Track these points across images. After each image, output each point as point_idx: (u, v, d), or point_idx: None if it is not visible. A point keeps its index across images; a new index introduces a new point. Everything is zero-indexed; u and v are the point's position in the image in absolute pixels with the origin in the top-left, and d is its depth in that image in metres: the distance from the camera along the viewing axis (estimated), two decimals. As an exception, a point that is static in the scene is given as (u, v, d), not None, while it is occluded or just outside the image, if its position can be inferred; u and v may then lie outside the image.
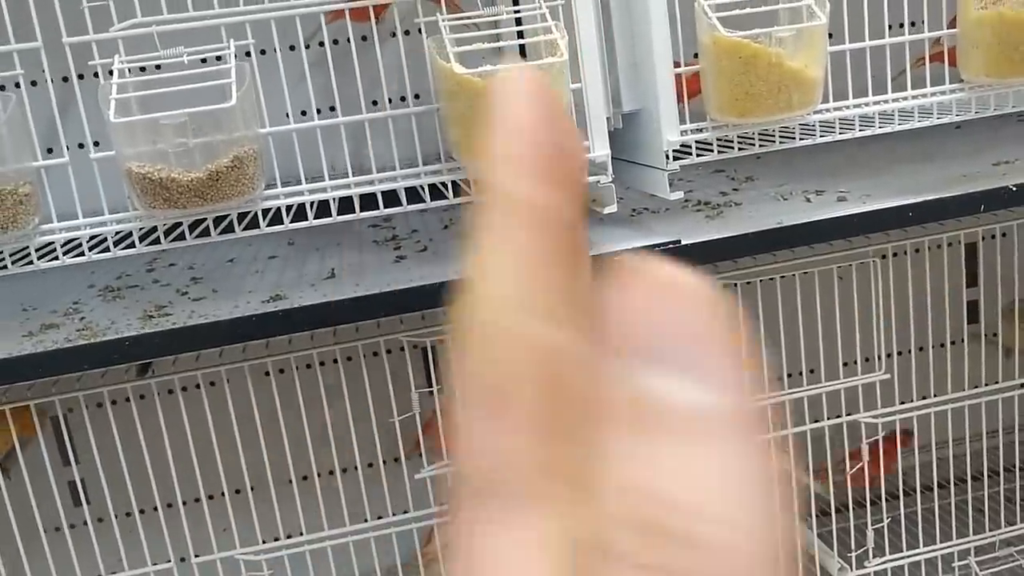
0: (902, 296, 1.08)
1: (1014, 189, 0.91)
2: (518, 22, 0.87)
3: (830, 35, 0.95)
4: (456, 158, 0.83)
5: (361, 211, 0.88)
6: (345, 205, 0.88)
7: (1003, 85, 0.93)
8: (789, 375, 1.08)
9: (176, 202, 0.75)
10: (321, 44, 1.21)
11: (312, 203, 0.87)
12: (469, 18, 0.81)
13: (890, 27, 0.96)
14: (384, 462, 1.09)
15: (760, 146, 0.91)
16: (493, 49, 0.80)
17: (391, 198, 0.89)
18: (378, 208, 0.90)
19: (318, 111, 1.12)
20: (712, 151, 0.90)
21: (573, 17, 0.84)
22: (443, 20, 0.81)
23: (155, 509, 1.03)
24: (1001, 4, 0.87)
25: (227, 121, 0.76)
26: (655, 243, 0.85)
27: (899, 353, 1.27)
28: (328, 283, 0.91)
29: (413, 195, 0.90)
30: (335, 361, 1.15)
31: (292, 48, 1.02)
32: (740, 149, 0.90)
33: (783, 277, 0.97)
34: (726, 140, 0.91)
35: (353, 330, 1.05)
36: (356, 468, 1.07)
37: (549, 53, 0.80)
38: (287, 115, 0.94)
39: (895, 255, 1.05)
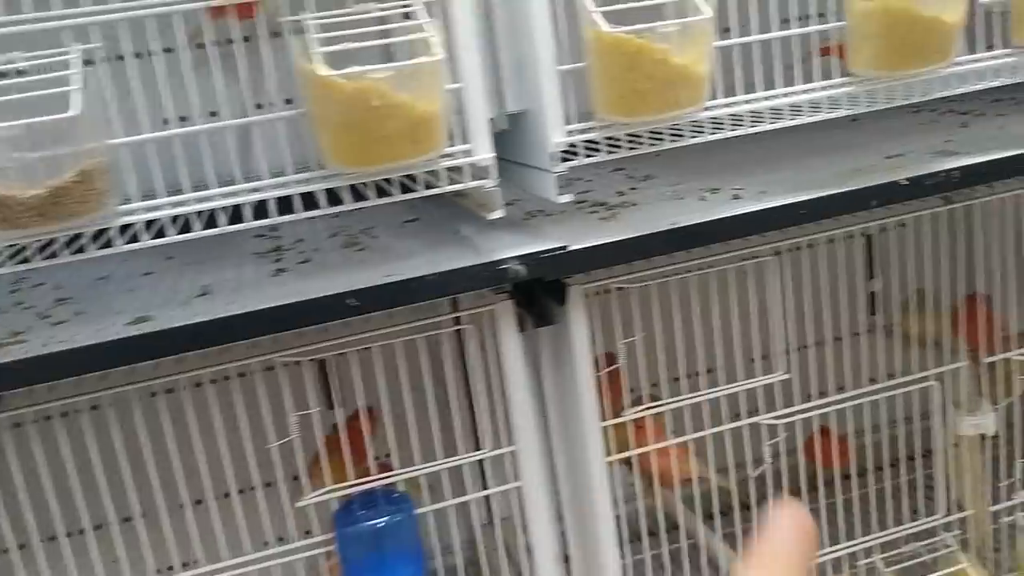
0: (804, 291, 1.07)
1: (905, 183, 0.90)
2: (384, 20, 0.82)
3: (725, 30, 0.93)
4: (325, 166, 0.78)
5: (251, 220, 0.81)
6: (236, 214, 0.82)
7: (892, 78, 0.91)
8: (688, 376, 1.05)
9: (14, 221, 0.68)
10: (200, 46, 1.15)
11: (181, 216, 0.81)
12: (337, 16, 0.76)
13: (786, 21, 0.94)
14: (290, 479, 1.02)
15: (650, 145, 0.88)
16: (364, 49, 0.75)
17: (285, 206, 0.83)
18: (267, 216, 0.84)
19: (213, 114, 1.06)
20: (600, 151, 0.87)
21: (449, 14, 0.80)
22: (309, 18, 0.76)
23: (33, 544, 0.96)
24: (886, -4, 0.86)
25: (71, 133, 0.69)
26: (541, 250, 0.81)
27: (800, 348, 1.27)
28: (200, 301, 0.85)
29: (309, 201, 0.84)
30: (227, 379, 1.08)
31: (169, 51, 0.95)
32: (630, 148, 0.87)
33: (680, 278, 0.94)
34: (615, 140, 0.87)
35: (249, 346, 0.99)
36: (253, 489, 1.00)
37: (421, 53, 0.75)
38: (165, 121, 0.87)
39: (797, 249, 1.03)
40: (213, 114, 1.05)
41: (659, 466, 1.05)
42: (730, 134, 0.90)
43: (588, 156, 0.86)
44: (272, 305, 0.78)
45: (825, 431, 1.15)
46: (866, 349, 1.18)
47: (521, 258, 0.80)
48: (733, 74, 0.89)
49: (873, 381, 1.10)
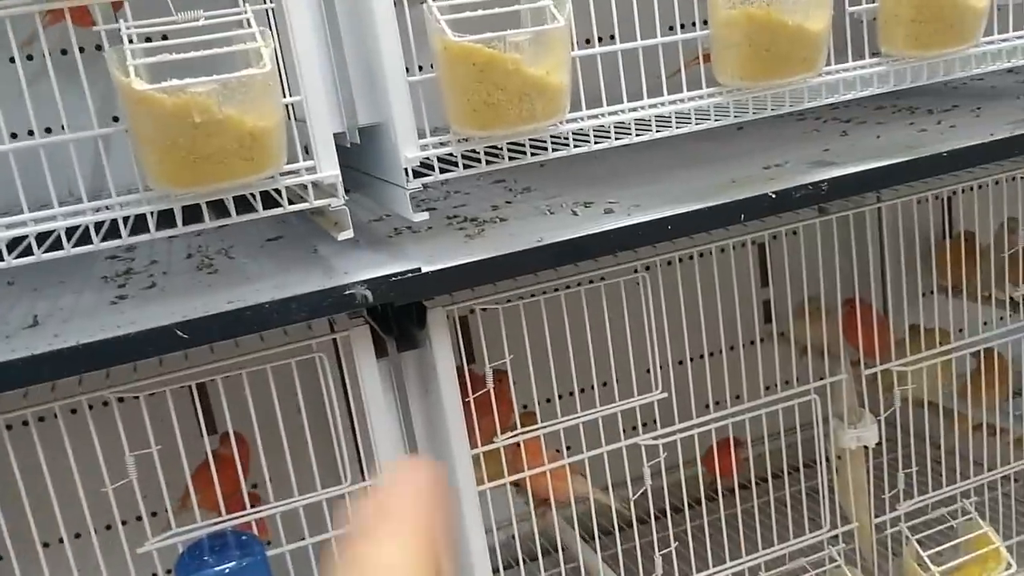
0: (691, 300, 1.04)
1: (773, 196, 0.87)
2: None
3: (586, 40, 0.89)
4: (151, 186, 0.72)
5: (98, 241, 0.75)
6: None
7: (759, 88, 0.89)
8: (572, 393, 1.02)
9: None
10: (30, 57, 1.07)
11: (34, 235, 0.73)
12: (157, 25, 0.70)
13: (672, 28, 0.91)
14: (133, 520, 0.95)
15: (510, 159, 0.84)
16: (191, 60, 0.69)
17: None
18: (120, 237, 0.77)
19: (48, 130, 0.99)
20: (457, 166, 0.83)
21: (288, 23, 0.75)
22: (126, 27, 0.70)
23: None
24: (749, 4, 0.83)
25: None
26: (391, 273, 0.76)
27: (700, 356, 1.24)
28: (27, 334, 0.78)
29: (166, 218, 0.78)
30: (73, 412, 1.01)
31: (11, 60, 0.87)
32: (488, 163, 0.83)
33: (546, 295, 0.91)
34: (473, 154, 0.83)
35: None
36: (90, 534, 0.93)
37: (253, 64, 0.70)
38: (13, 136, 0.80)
39: (690, 259, 1.00)
40: (49, 130, 0.99)
41: (536, 488, 1.01)
42: (595, 147, 0.87)
43: (444, 172, 0.82)
44: (95, 340, 0.72)
45: (725, 442, 1.13)
46: (762, 358, 1.17)
47: (369, 282, 0.75)
48: (599, 85, 0.86)
49: (768, 390, 1.08)
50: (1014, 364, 1.29)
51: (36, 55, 1.11)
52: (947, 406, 1.28)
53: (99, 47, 1.08)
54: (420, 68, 0.81)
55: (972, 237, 1.27)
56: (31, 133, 1.00)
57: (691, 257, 1.01)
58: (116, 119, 1.00)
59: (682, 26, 0.92)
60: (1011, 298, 1.26)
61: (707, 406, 1.06)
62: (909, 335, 1.21)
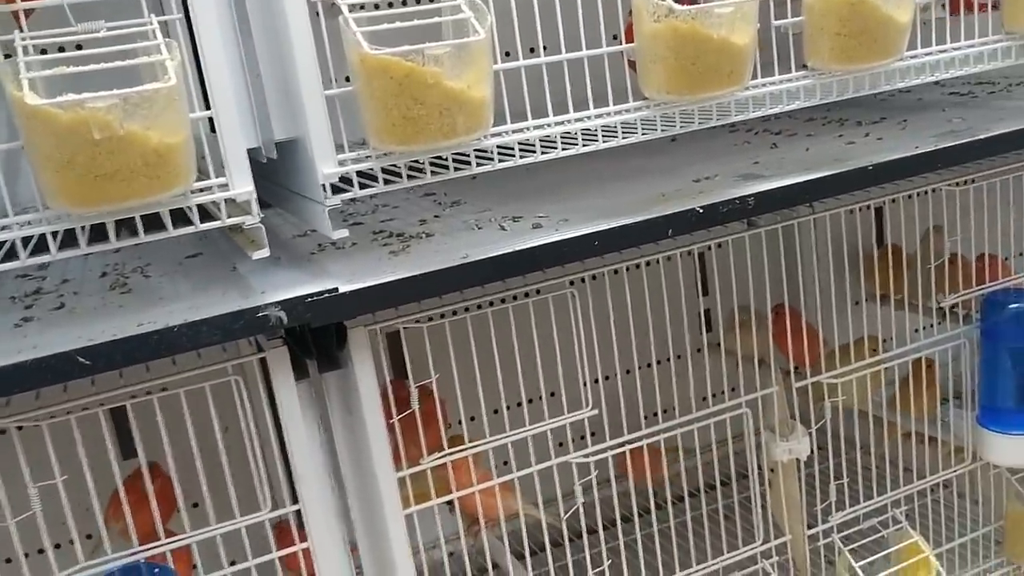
0: (621, 314, 1.03)
1: (700, 211, 0.87)
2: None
3: (506, 53, 0.88)
4: (49, 205, 0.68)
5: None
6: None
7: (685, 101, 0.88)
8: (508, 408, 1.00)
9: None
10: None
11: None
12: (56, 36, 0.67)
13: (616, 38, 0.89)
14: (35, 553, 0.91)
15: (433, 174, 0.82)
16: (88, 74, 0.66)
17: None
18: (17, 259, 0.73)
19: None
20: (377, 182, 0.80)
21: (197, 34, 0.72)
22: (21, 39, 0.66)
23: None
24: (674, 17, 0.83)
25: None
26: (306, 294, 0.74)
27: (627, 372, 1.23)
28: (-80, 359, 0.74)
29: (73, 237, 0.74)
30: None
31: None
32: (409, 179, 0.81)
33: (477, 309, 0.89)
34: (394, 168, 0.81)
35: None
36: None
37: (158, 77, 0.67)
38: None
39: (632, 268, 0.99)
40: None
41: (466, 506, 0.99)
42: (520, 162, 0.85)
43: (363, 187, 0.79)
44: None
45: (646, 447, 1.12)
46: (696, 370, 1.16)
47: (283, 303, 0.73)
48: (523, 99, 0.84)
49: (704, 401, 1.07)
50: (943, 372, 1.30)
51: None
52: (877, 415, 1.29)
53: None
54: (335, 81, 0.79)
55: (900, 248, 1.28)
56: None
57: (618, 271, 1.00)
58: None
59: (614, 37, 0.91)
60: (940, 307, 1.28)
61: (641, 420, 1.05)
62: (839, 347, 1.22)
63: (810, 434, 1.11)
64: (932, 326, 1.26)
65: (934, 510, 1.25)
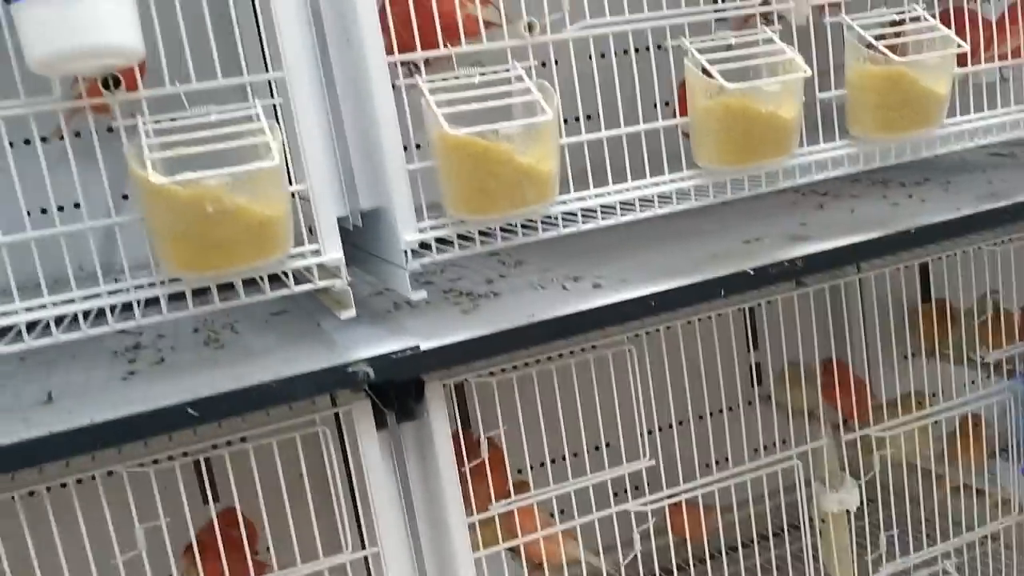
0: (676, 368, 1.08)
1: (751, 273, 0.92)
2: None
3: (565, 121, 0.95)
4: (164, 271, 0.76)
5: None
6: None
7: (736, 171, 0.94)
8: (553, 460, 1.05)
9: None
10: (61, 138, 1.12)
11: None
12: (175, 119, 0.75)
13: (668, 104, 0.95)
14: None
15: (503, 240, 0.89)
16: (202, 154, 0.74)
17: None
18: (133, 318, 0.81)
19: (60, 208, 1.03)
20: (453, 247, 0.87)
21: (294, 116, 0.80)
22: (144, 122, 0.75)
23: None
24: (725, 94, 0.89)
25: None
26: (392, 351, 0.81)
27: (679, 423, 1.28)
28: (42, 410, 0.82)
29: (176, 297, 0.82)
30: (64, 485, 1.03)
31: (27, 142, 0.92)
32: (482, 244, 0.88)
33: (538, 365, 0.95)
34: (468, 234, 0.88)
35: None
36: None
37: (262, 157, 0.75)
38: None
39: (666, 329, 1.05)
40: (76, 206, 1.03)
41: (530, 553, 1.04)
42: (583, 228, 0.92)
43: (440, 252, 0.87)
44: (110, 419, 0.75)
45: (684, 504, 1.16)
46: (749, 422, 1.20)
47: (370, 360, 0.80)
48: (585, 165, 0.91)
49: (756, 452, 1.12)
50: (991, 426, 1.33)
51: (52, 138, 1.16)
52: (927, 468, 1.32)
53: (110, 129, 1.13)
54: (417, 147, 0.86)
55: (945, 303, 1.32)
56: (44, 211, 1.06)
57: (671, 327, 1.06)
58: (126, 197, 1.05)
59: (666, 103, 0.98)
60: (987, 362, 1.31)
61: (696, 470, 1.09)
62: (886, 401, 1.25)
63: (860, 486, 1.15)
64: (979, 380, 1.29)
65: (983, 562, 1.27)
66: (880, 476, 1.15)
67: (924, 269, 1.50)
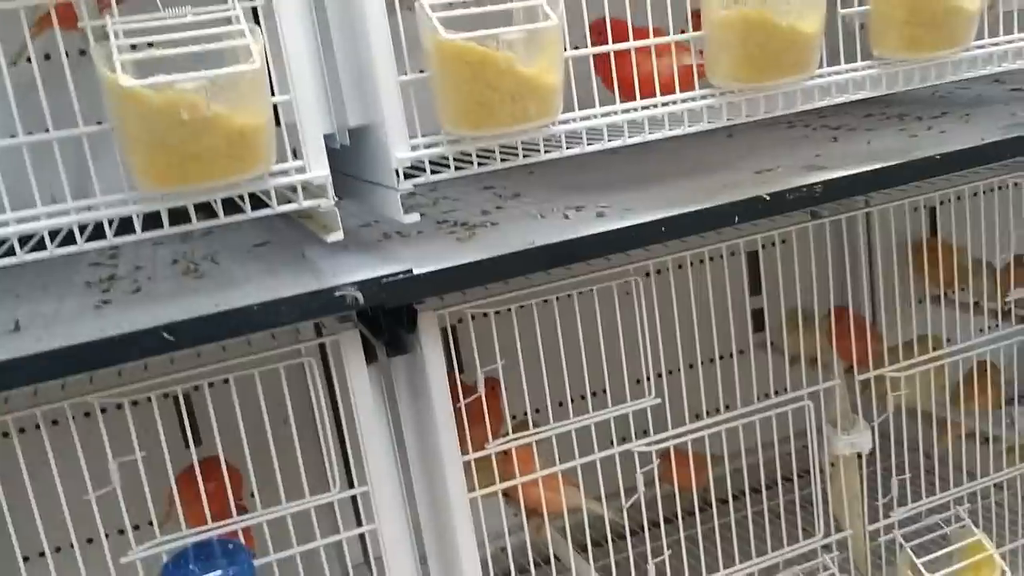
0: (687, 309, 1.03)
1: (767, 198, 0.87)
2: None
3: (575, 46, 0.89)
4: (136, 187, 0.70)
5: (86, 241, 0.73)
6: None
7: (752, 90, 0.88)
8: (561, 403, 1.00)
9: None
10: (29, 60, 1.05)
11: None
12: (144, 21, 0.69)
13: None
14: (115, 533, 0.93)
15: (502, 160, 0.83)
16: (176, 57, 0.68)
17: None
18: (104, 238, 0.75)
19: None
20: (449, 167, 0.81)
21: (278, 20, 0.74)
22: (112, 24, 0.68)
23: None
24: (743, 5, 0.83)
25: None
26: (382, 275, 0.75)
27: (690, 366, 1.23)
28: (8, 338, 0.76)
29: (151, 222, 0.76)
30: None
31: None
32: (480, 164, 0.82)
33: (545, 301, 0.89)
34: (465, 155, 0.82)
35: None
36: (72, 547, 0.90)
37: (241, 61, 0.69)
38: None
39: (679, 267, 0.99)
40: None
41: (528, 498, 1.00)
42: (588, 149, 0.86)
43: (435, 172, 0.81)
44: (80, 342, 0.70)
45: (676, 452, 1.11)
46: (752, 366, 1.15)
47: (359, 284, 0.74)
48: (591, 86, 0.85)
49: (759, 399, 1.07)
50: (1005, 372, 1.29)
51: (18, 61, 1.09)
52: (939, 414, 1.28)
53: (83, 52, 1.06)
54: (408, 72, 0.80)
55: (950, 242, 1.27)
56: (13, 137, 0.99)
57: (680, 266, 1.01)
58: (100, 123, 0.99)
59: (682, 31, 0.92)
60: (1001, 306, 1.26)
61: (697, 415, 1.04)
62: (901, 343, 1.21)
63: (872, 428, 1.10)
64: (996, 326, 1.24)
65: (996, 511, 1.23)
66: (893, 423, 1.10)
67: (933, 213, 1.44)
